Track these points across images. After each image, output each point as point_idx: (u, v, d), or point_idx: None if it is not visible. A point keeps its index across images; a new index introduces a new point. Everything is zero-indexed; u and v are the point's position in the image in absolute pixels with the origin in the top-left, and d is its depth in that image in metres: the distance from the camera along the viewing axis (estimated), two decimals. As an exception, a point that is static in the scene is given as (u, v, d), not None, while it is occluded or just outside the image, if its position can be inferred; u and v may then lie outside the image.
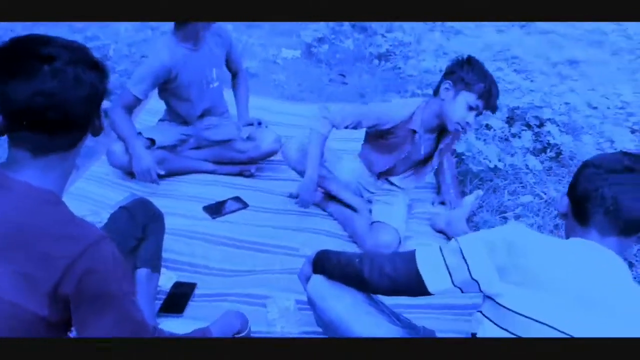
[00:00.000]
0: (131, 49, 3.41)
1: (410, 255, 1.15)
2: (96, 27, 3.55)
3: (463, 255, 1.07)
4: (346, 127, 1.90)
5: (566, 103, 2.90)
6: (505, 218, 2.16)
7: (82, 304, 0.88)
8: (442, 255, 1.10)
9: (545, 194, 2.25)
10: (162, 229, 1.63)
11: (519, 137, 2.63)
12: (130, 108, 2.19)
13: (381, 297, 1.33)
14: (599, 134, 3.03)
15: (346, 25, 4.42)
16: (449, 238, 2.08)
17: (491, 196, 2.27)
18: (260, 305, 1.69)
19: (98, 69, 0.92)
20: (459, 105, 1.84)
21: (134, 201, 1.59)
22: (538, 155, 2.55)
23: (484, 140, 2.58)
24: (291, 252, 1.97)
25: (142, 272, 1.53)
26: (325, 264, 1.34)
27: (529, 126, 2.79)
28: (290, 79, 3.60)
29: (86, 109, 0.91)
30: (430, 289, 1.11)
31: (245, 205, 2.23)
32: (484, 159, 2.33)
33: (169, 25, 2.24)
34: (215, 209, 2.17)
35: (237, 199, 2.26)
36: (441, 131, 2.02)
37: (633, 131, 3.45)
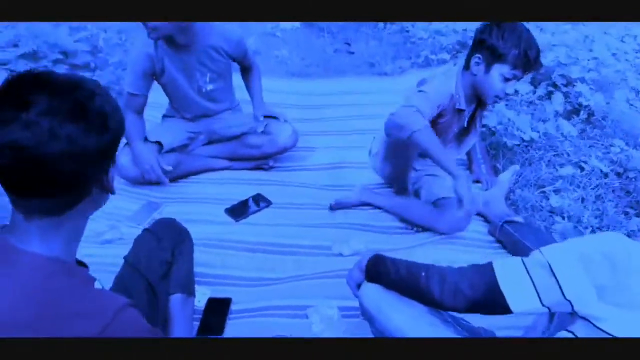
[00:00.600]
0: (121, 36, 3.19)
1: (489, 272, 1.01)
2: (81, 16, 3.31)
3: (553, 271, 0.94)
4: None
5: (594, 58, 2.71)
6: (545, 192, 2.04)
7: None
8: (528, 272, 0.97)
9: (585, 163, 2.11)
10: (190, 248, 1.51)
11: (549, 99, 2.47)
12: (136, 108, 2.05)
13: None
14: (625, 86, 2.87)
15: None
16: (487, 220, 1.97)
17: (527, 169, 2.14)
18: (301, 317, 1.59)
19: (85, 120, 0.73)
20: (494, 79, 1.68)
21: (158, 223, 1.47)
22: (570, 119, 2.39)
23: (514, 109, 2.41)
24: (324, 251, 1.87)
25: (176, 298, 1.42)
26: (382, 274, 1.20)
27: (555, 86, 2.62)
28: (292, 53, 3.39)
29: (70, 168, 0.73)
30: (513, 310, 0.99)
31: (268, 203, 2.10)
32: (517, 130, 2.18)
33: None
34: (239, 211, 2.04)
35: (258, 196, 2.13)
36: (478, 101, 1.87)
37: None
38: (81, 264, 0.93)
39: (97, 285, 0.88)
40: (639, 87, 2.96)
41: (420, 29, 3.39)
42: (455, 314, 1.26)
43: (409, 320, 1.15)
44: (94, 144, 0.75)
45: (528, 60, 1.63)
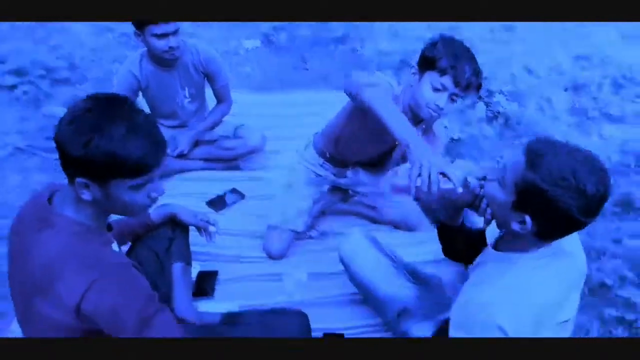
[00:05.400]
0: (96, 54, 3.46)
1: None
2: (58, 35, 3.55)
3: None
4: None
5: (511, 74, 3.27)
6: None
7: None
8: None
9: (501, 157, 2.62)
10: (187, 228, 1.83)
11: (473, 108, 2.99)
12: None
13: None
14: (538, 96, 3.45)
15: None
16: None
17: (455, 162, 2.62)
18: (279, 281, 1.96)
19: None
20: (423, 87, 1.67)
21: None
22: (491, 123, 2.92)
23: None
24: (297, 236, 2.23)
25: (177, 267, 1.73)
26: None
27: (479, 97, 3.15)
28: (255, 69, 3.77)
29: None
30: None
31: (243, 196, 2.45)
32: (449, 131, 2.67)
33: (128, 27, 2.32)
34: (218, 203, 2.38)
35: (234, 190, 2.48)
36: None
37: (566, 89, 3.92)
38: (109, 227, 1.20)
39: (114, 247, 1.15)
40: (550, 96, 3.55)
41: (368, 49, 3.87)
42: (410, 267, 1.70)
43: (372, 271, 1.65)
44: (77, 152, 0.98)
45: (458, 72, 1.60)
